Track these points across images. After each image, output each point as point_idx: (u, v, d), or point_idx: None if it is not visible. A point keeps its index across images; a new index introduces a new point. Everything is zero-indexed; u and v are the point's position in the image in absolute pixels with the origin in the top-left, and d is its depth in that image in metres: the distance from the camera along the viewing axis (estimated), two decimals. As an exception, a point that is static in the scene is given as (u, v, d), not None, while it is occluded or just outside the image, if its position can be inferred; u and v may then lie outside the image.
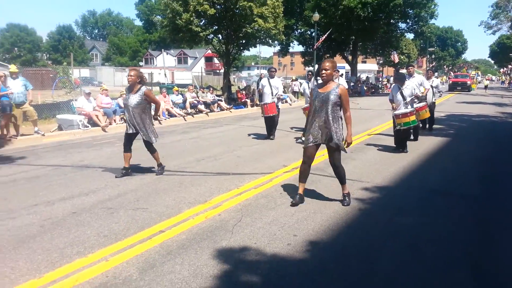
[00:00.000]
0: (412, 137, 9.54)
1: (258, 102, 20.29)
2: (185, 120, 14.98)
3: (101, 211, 4.80)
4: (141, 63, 65.22)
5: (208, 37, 19.21)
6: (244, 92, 20.59)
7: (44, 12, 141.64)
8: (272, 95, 10.29)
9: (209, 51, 59.22)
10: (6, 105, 9.76)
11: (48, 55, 66.24)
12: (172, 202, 5.16)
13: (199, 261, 3.52)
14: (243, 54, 32.95)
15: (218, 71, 59.94)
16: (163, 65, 43.07)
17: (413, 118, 8.29)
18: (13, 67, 10.48)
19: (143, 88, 6.31)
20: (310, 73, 11.30)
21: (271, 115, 10.07)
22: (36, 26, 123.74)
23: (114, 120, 12.74)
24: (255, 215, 4.66)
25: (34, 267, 3.39)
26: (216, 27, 19.78)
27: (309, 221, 4.51)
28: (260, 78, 18.38)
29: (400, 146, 8.62)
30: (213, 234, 4.11)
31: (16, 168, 7.17)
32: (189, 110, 15.82)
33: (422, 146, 9.26)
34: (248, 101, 19.97)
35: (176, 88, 16.47)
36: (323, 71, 4.79)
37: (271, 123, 10.32)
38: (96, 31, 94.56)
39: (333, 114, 4.79)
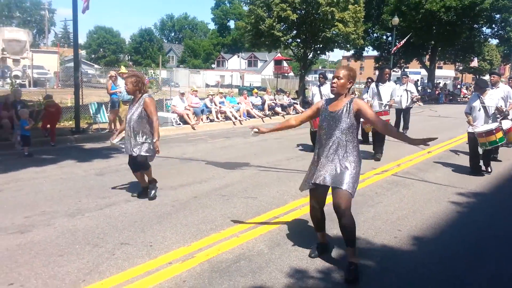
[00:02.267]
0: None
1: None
2: (263, 122, 15.65)
3: (218, 197, 5.48)
4: (213, 65, 67.83)
5: (288, 41, 19.79)
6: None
7: (127, 16, 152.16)
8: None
9: (279, 54, 60.29)
10: (115, 102, 11.03)
11: (129, 57, 71.19)
12: (276, 194, 5.71)
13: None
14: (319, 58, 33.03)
15: (286, 74, 60.63)
16: (239, 68, 44.44)
17: (500, 135, 6.86)
18: (123, 68, 11.79)
19: (144, 97, 5.15)
20: (321, 76, 9.69)
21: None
22: (120, 28, 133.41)
23: (202, 119, 13.73)
24: (356, 210, 5.04)
25: (180, 238, 4.08)
26: (295, 31, 20.33)
27: (409, 219, 4.81)
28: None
29: (477, 169, 7.17)
30: (322, 224, 4.57)
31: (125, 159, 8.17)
32: (267, 112, 16.50)
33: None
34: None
35: (255, 90, 17.26)
36: (334, 80, 3.43)
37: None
38: (173, 34, 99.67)
39: (345, 143, 3.37)
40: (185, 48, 75.15)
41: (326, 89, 8.98)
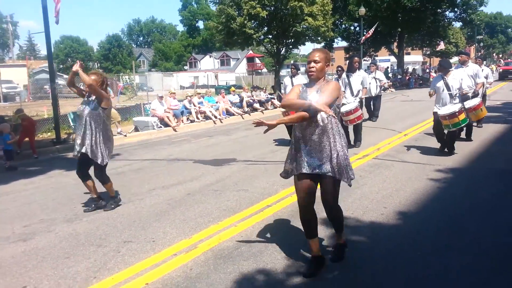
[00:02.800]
0: (465, 137, 8.58)
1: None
2: (243, 118, 15.84)
3: (210, 193, 5.66)
4: (185, 67, 67.45)
5: (260, 38, 20.04)
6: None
7: (93, 23, 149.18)
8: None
9: (251, 52, 60.56)
10: (94, 110, 11.01)
11: (99, 64, 70.02)
12: (266, 185, 5.94)
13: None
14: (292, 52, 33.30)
15: (260, 71, 60.94)
16: (212, 67, 44.44)
17: (462, 117, 6.87)
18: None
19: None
20: (293, 67, 9.45)
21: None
22: (87, 36, 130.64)
23: (182, 121, 13.81)
24: (344, 193, 5.32)
25: (180, 232, 4.26)
26: (266, 28, 20.59)
27: (393, 197, 5.12)
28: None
29: (445, 148, 7.45)
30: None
31: (118, 163, 8.24)
32: (246, 109, 16.71)
33: (484, 133, 9.53)
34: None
35: (233, 88, 17.44)
36: (312, 65, 3.20)
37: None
38: (141, 38, 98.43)
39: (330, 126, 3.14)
40: (155, 52, 74.41)
41: (299, 80, 8.76)
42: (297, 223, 4.27)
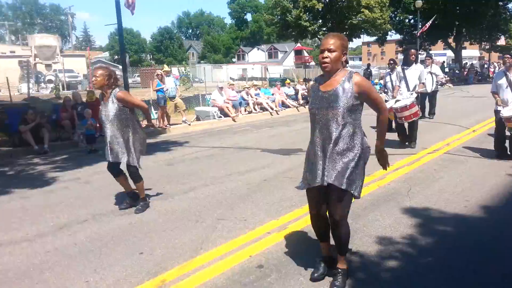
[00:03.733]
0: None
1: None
2: (298, 111, 15.97)
3: (286, 179, 5.90)
4: (234, 60, 68.29)
5: (315, 30, 20.02)
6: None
7: (145, 16, 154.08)
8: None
9: (299, 45, 60.22)
10: (161, 99, 11.58)
11: (151, 56, 72.40)
12: (339, 175, 6.09)
13: (394, 214, 4.38)
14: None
15: (307, 64, 60.50)
16: (259, 60, 44.69)
17: None
18: (166, 67, 12.34)
19: (115, 91, 4.49)
20: (391, 61, 9.51)
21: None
22: (140, 29, 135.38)
23: (240, 111, 14.18)
24: (422, 185, 5.39)
25: (267, 214, 4.52)
26: (321, 20, 20.52)
27: (474, 191, 5.12)
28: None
29: (502, 152, 6.75)
30: (393, 198, 4.93)
31: (189, 149, 8.69)
32: (301, 102, 16.82)
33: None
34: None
35: (288, 81, 17.59)
36: (325, 54, 2.71)
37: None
38: (190, 31, 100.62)
39: (344, 128, 2.72)
40: (204, 44, 75.87)
41: (400, 74, 8.42)
42: (380, 207, 4.44)
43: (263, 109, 14.86)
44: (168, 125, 11.84)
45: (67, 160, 8.02)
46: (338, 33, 2.92)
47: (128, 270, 3.32)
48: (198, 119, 13.44)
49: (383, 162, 2.97)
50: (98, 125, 8.91)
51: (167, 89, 11.66)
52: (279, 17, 19.32)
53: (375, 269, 3.25)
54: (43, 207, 5.06)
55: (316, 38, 21.91)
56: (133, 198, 4.85)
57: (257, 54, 63.99)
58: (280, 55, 63.92)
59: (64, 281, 3.19)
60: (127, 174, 4.82)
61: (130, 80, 37.10)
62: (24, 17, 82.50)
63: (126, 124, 4.52)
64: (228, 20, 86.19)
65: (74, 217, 4.64)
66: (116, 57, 69.80)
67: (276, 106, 15.26)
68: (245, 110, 14.57)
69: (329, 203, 2.81)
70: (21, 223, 4.52)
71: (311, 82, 3.19)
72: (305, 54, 64.18)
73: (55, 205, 5.11)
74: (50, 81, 31.88)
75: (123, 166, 4.74)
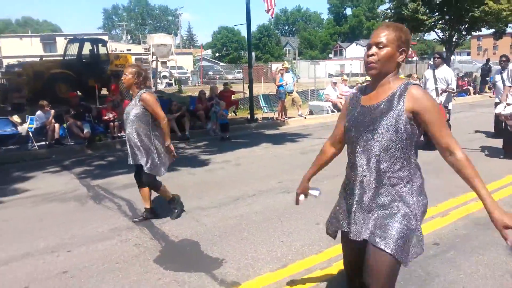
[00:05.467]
0: None
1: (479, 91, 19.36)
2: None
3: (430, 170, 6.02)
4: (330, 55, 67.71)
5: (432, 24, 19.22)
6: (466, 79, 19.88)
7: (242, 14, 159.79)
8: (438, 94, 7.47)
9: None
10: (282, 93, 12.25)
11: (250, 53, 74.90)
12: (487, 169, 6.03)
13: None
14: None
15: (410, 59, 57.59)
16: (358, 56, 43.81)
17: None
18: (286, 63, 13.01)
19: (141, 92, 4.10)
20: (437, 56, 7.91)
21: None
22: (240, 27, 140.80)
23: (353, 106, 14.31)
24: None
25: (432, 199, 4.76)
26: (438, 13, 19.60)
27: None
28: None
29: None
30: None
31: (315, 140, 9.17)
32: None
33: None
34: (471, 89, 19.24)
35: (402, 76, 17.20)
36: (373, 51, 1.88)
37: None
38: (286, 27, 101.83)
39: (392, 163, 1.87)
40: (301, 41, 76.25)
41: (443, 72, 7.53)
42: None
43: (376, 104, 14.82)
44: (286, 118, 12.48)
45: (209, 146, 9.01)
46: (395, 23, 1.97)
47: (311, 237, 3.84)
48: (311, 113, 13.90)
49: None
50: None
51: (286, 84, 12.29)
52: (392, 11, 18.88)
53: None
54: (215, 183, 5.86)
55: (434, 32, 20.92)
56: (152, 213, 4.47)
57: (355, 50, 62.63)
58: (380, 50, 61.73)
59: (263, 239, 3.82)
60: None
61: (230, 76, 39.23)
62: (137, 18, 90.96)
63: (147, 128, 4.08)
64: (325, 15, 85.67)
65: (242, 192, 5.36)
66: (217, 54, 73.77)
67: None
68: (358, 106, 14.68)
69: (365, 268, 1.86)
70: (202, 195, 5.32)
71: (353, 91, 2.13)
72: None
73: (221, 182, 5.92)
74: (164, 77, 35.09)
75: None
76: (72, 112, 9.33)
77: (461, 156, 1.80)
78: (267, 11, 11.99)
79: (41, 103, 8.93)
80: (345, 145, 2.14)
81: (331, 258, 3.38)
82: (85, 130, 8.90)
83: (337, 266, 3.23)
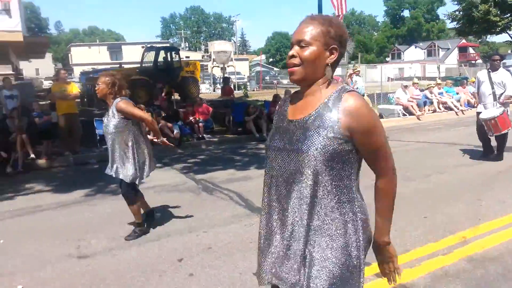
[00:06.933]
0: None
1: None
2: (484, 111, 15.13)
3: (521, 173, 6.08)
4: (387, 59, 66.23)
5: (506, 25, 18.55)
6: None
7: (294, 20, 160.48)
8: (496, 99, 6.76)
9: (463, 41, 55.19)
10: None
11: (304, 57, 75.10)
12: None
13: None
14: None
15: (473, 62, 55.06)
16: (416, 59, 42.58)
17: None
18: (357, 66, 13.25)
19: (116, 102, 3.93)
20: (496, 57, 7.05)
21: (503, 132, 6.68)
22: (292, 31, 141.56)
23: (424, 110, 14.20)
24: None
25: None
26: (510, 14, 18.86)
27: None
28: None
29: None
30: None
31: (397, 143, 9.31)
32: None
33: None
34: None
35: (473, 79, 16.75)
36: (293, 51, 1.50)
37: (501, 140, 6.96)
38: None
39: (319, 192, 1.42)
40: (356, 44, 75.27)
41: (500, 76, 6.75)
42: None
43: (448, 108, 14.57)
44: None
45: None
46: (324, 14, 1.66)
47: (427, 227, 4.13)
48: (381, 116, 13.97)
49: (387, 267, 1.57)
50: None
51: (357, 88, 12.49)
52: (461, 12, 18.43)
53: None
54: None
55: (506, 33, 20.14)
56: (148, 218, 4.39)
57: (414, 53, 60.88)
58: (441, 53, 59.58)
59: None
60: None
61: (285, 81, 39.68)
62: (193, 26, 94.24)
63: (126, 138, 3.95)
64: (380, 18, 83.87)
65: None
66: (271, 59, 74.76)
67: (461, 105, 14.79)
68: (429, 109, 14.53)
69: None
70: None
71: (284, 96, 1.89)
72: (471, 51, 58.68)
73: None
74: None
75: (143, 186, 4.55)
76: (163, 114, 10.18)
77: (383, 185, 1.49)
78: (337, 17, 12.29)
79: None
80: None
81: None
82: (175, 131, 9.68)
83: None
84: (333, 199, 1.42)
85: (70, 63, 55.50)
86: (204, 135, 10.39)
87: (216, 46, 37.86)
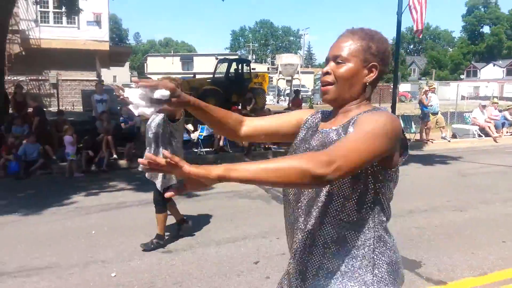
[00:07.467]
0: None
1: None
2: None
3: None
4: (462, 76, 62.76)
5: None
6: None
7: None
8: None
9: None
10: (426, 114, 12.11)
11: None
12: None
13: None
14: None
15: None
16: (494, 77, 39.88)
17: None
18: (433, 83, 12.85)
19: None
20: None
21: None
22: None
23: (502, 132, 13.36)
24: None
25: None
26: None
27: None
28: None
29: None
30: None
31: (473, 165, 8.89)
32: None
33: None
34: None
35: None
36: (327, 68, 1.34)
37: None
38: (411, 46, 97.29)
39: (338, 221, 1.27)
40: (428, 60, 72.25)
41: None
42: None
43: (530, 131, 13.61)
44: (431, 140, 12.23)
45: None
46: (366, 28, 1.38)
47: (505, 252, 4.00)
48: (454, 136, 13.37)
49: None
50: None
51: (431, 105, 12.12)
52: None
53: None
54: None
55: None
56: (180, 227, 4.50)
57: (491, 71, 57.09)
58: (524, 71, 55.29)
59: (454, 249, 4.11)
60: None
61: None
62: (261, 39, 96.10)
63: (167, 141, 3.90)
64: (457, 34, 79.76)
65: (414, 206, 5.64)
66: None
67: None
68: (507, 132, 13.66)
69: None
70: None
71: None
72: (560, 70, 53.75)
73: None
74: (288, 95, 36.67)
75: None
76: (234, 124, 10.61)
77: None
78: (415, 32, 12.04)
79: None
80: (243, 134, 1.51)
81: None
82: (245, 140, 10.05)
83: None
84: (357, 232, 1.29)
85: (146, 72, 59.04)
86: (271, 146, 10.64)
87: (284, 58, 38.31)
